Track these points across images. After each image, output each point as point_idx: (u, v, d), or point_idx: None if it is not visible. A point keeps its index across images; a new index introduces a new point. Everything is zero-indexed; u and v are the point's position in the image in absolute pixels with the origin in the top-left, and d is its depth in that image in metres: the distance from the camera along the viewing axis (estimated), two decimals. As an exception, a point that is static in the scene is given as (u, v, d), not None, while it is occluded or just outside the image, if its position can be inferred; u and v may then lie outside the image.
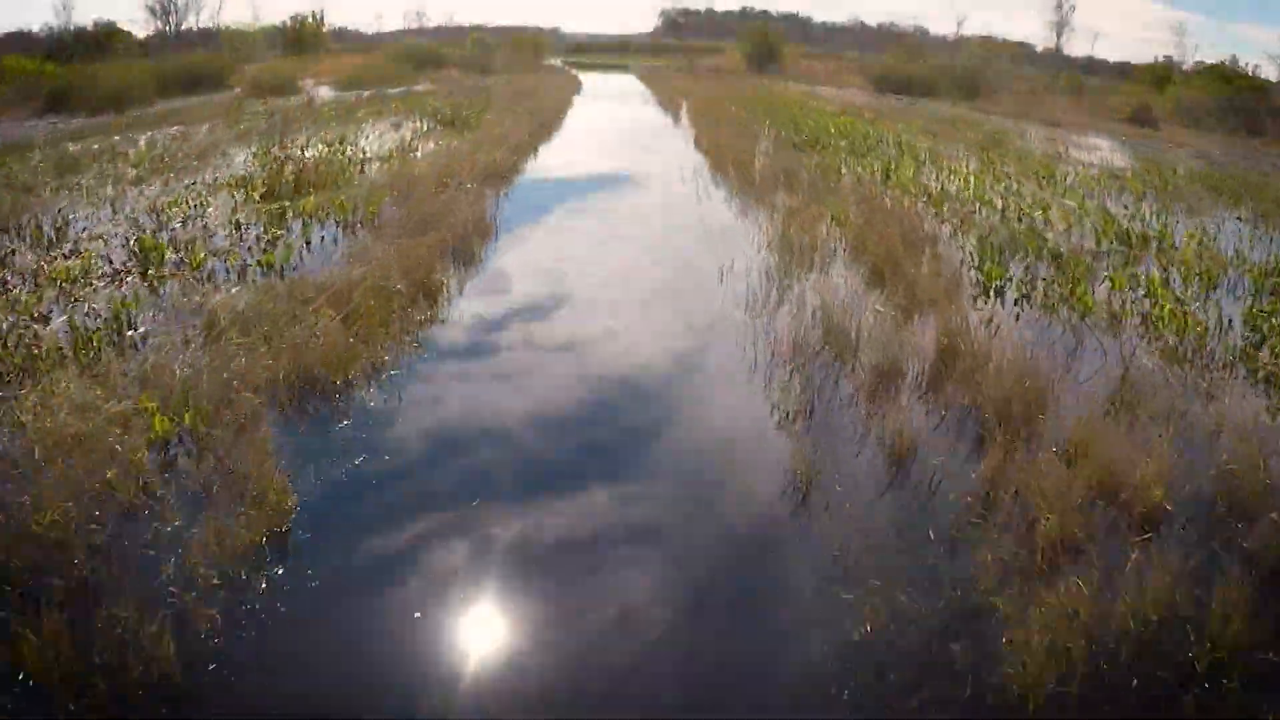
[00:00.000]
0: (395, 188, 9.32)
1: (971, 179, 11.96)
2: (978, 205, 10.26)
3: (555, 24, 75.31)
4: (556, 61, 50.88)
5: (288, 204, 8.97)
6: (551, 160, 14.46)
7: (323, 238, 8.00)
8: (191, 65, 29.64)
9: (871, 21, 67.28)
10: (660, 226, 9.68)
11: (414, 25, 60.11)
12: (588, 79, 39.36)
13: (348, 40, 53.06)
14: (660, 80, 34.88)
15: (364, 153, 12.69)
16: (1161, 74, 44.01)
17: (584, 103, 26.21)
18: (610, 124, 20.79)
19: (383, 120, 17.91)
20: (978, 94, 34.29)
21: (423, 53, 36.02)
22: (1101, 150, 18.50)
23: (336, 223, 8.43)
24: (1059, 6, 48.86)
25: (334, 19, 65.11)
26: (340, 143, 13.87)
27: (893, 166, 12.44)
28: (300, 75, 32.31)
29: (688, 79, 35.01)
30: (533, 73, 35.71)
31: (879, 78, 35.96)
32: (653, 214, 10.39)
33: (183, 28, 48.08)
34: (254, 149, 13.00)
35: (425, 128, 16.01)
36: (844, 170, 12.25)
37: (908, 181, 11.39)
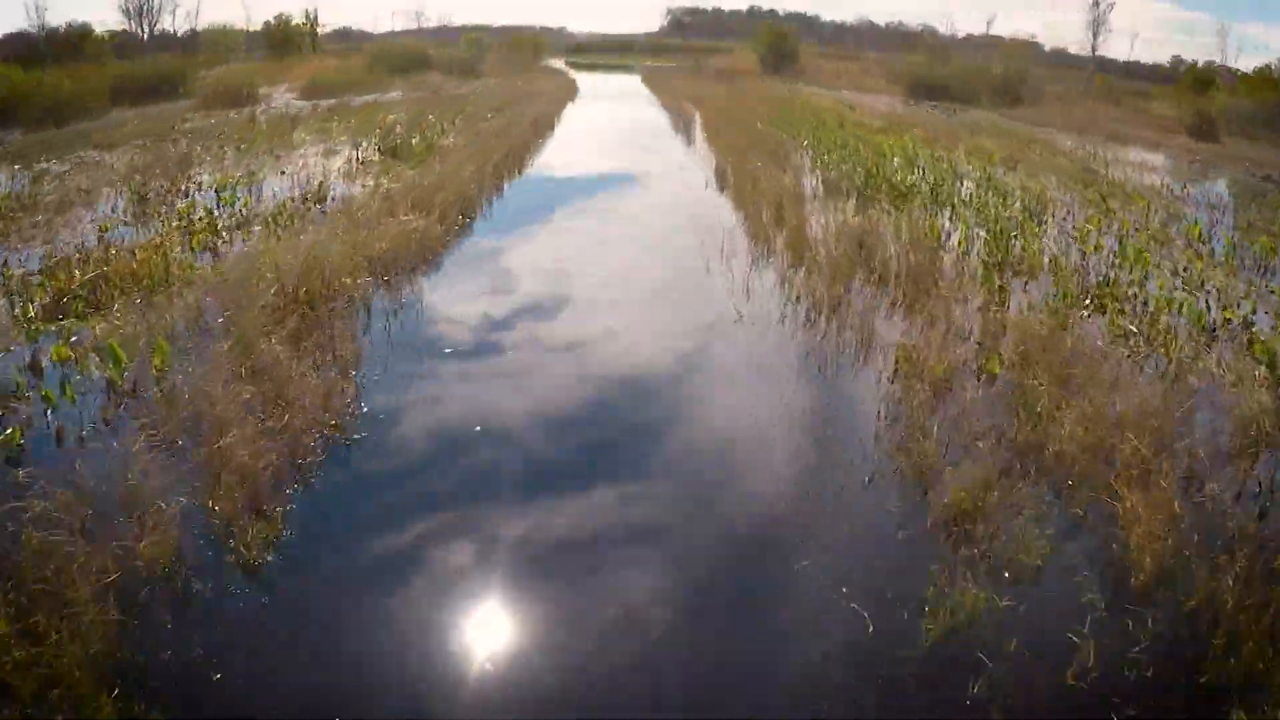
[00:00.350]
0: (230, 296, 5.49)
1: (1126, 249, 8.02)
2: (1176, 313, 6.36)
3: (561, 24, 71.90)
4: (555, 62, 46.92)
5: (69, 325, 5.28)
6: (510, 215, 10.08)
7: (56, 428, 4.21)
8: (153, 71, 25.84)
9: (879, 20, 63.60)
10: (693, 395, 5.25)
11: (413, 25, 56.77)
12: (587, 81, 35.41)
13: (353, 40, 49.92)
14: (667, 83, 30.79)
15: (254, 206, 8.94)
16: (1203, 78, 39.82)
17: (576, 113, 22.16)
18: (603, 147, 16.22)
19: (322, 142, 14.18)
20: (1019, 100, 30.33)
21: (404, 55, 32.05)
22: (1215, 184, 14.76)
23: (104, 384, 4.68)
24: (1095, 4, 44.51)
25: (337, 18, 62.33)
26: (242, 182, 10.17)
27: (1008, 227, 8.52)
28: (267, 81, 28.63)
29: (697, 82, 31.03)
30: (525, 76, 31.70)
31: (910, 82, 31.96)
32: (668, 355, 5.78)
33: (159, 29, 44.45)
34: (124, 198, 9.40)
35: (366, 156, 12.22)
36: (941, 237, 8.41)
37: (1036, 260, 7.54)
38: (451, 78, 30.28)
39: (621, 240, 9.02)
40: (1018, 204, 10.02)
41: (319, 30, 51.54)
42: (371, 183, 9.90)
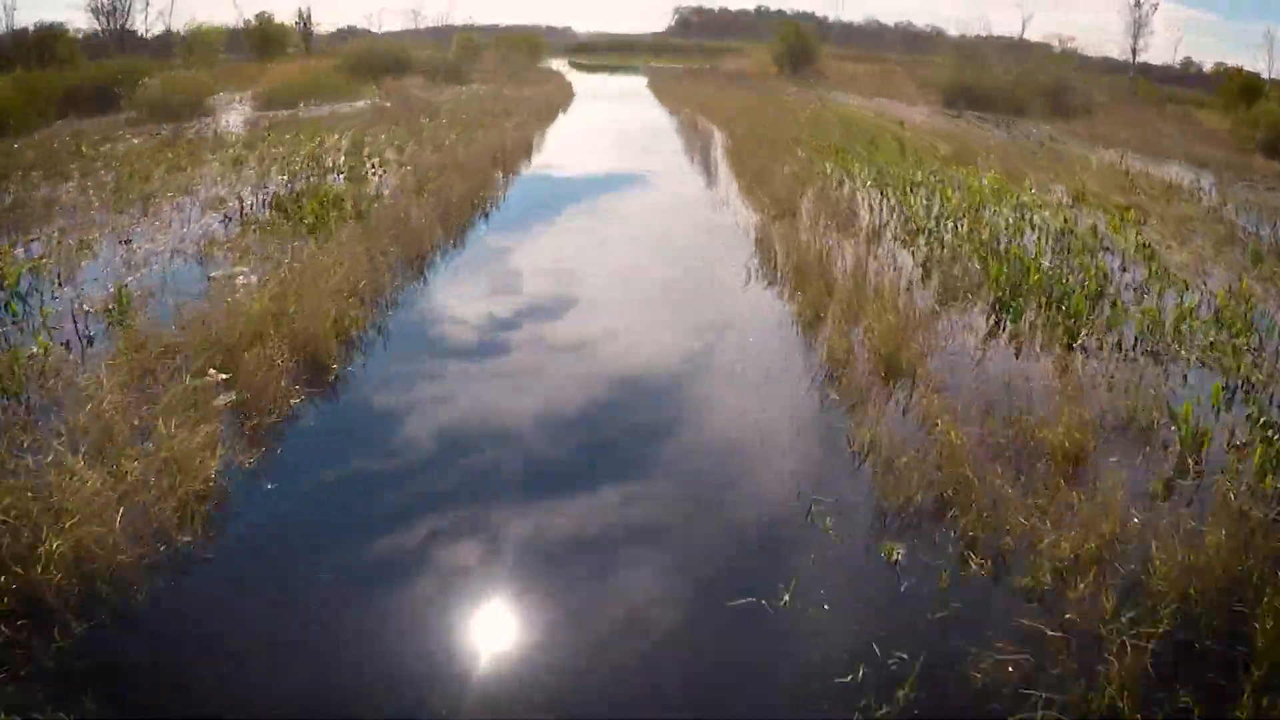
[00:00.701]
0: None
1: None
2: None
3: (567, 23, 69.17)
4: (556, 63, 43.07)
5: None
6: (399, 364, 5.41)
7: None
8: (100, 77, 22.09)
9: (888, 21, 60.34)
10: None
11: (424, 24, 53.60)
12: (587, 85, 31.65)
13: (357, 39, 47.19)
14: (676, 88, 26.83)
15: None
16: (1251, 85, 35.69)
17: (564, 130, 18.17)
18: (590, 186, 11.97)
19: (223, 181, 10.47)
20: (1071, 112, 26.40)
21: (382, 57, 28.19)
22: None
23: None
24: (1137, 4, 40.24)
25: (342, 18, 59.39)
26: (55, 263, 6.52)
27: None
28: (233, 87, 24.97)
29: (709, 86, 27.20)
30: (517, 80, 27.82)
31: (946, 89, 28.04)
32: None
33: (129, 28, 40.76)
34: None
35: (253, 214, 8.46)
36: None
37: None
38: (435, 82, 26.57)
39: (616, 386, 5.21)
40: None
41: (314, 29, 47.88)
42: (235, 277, 6.14)
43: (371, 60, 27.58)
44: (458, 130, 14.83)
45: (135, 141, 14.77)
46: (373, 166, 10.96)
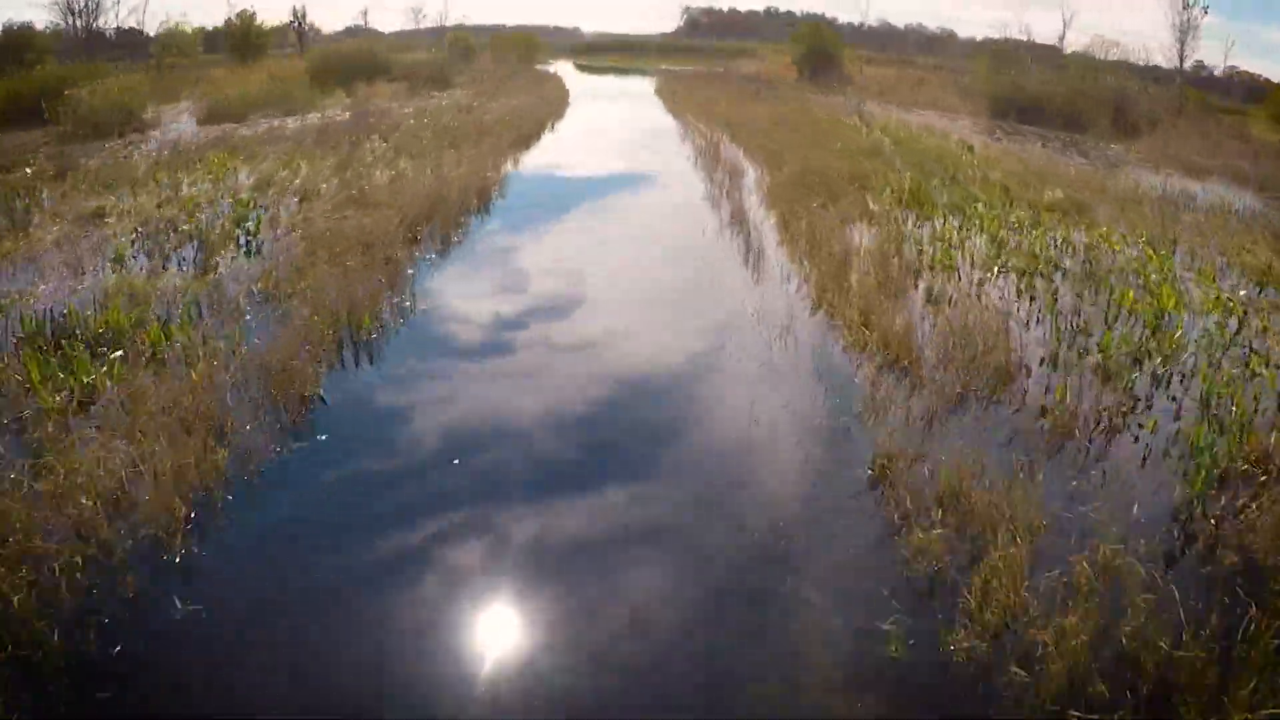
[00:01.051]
0: None
1: None
2: None
3: (575, 24, 69.03)
4: (557, 65, 39.48)
5: None
6: None
7: None
8: (48, 83, 18.52)
9: (898, 23, 58.90)
10: None
11: (430, 24, 51.06)
12: (587, 88, 28.06)
13: (361, 38, 44.53)
14: (689, 97, 23.03)
15: None
16: None
17: (547, 156, 13.99)
18: (558, 286, 7.04)
19: (47, 262, 7.07)
20: (1133, 128, 22.67)
21: (354, 60, 24.52)
22: None
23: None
24: (1185, 6, 36.13)
25: (343, 18, 57.20)
26: None
27: None
28: (182, 95, 21.51)
29: (727, 93, 23.52)
30: (506, 86, 24.17)
31: (994, 99, 24.30)
32: None
33: (99, 28, 37.37)
34: None
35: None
36: None
37: None
38: (413, 89, 23.00)
39: None
40: None
41: (310, 28, 45.13)
42: None
43: (342, 64, 24.00)
44: (405, 160, 11.27)
45: (26, 172, 11.39)
46: (245, 235, 7.45)
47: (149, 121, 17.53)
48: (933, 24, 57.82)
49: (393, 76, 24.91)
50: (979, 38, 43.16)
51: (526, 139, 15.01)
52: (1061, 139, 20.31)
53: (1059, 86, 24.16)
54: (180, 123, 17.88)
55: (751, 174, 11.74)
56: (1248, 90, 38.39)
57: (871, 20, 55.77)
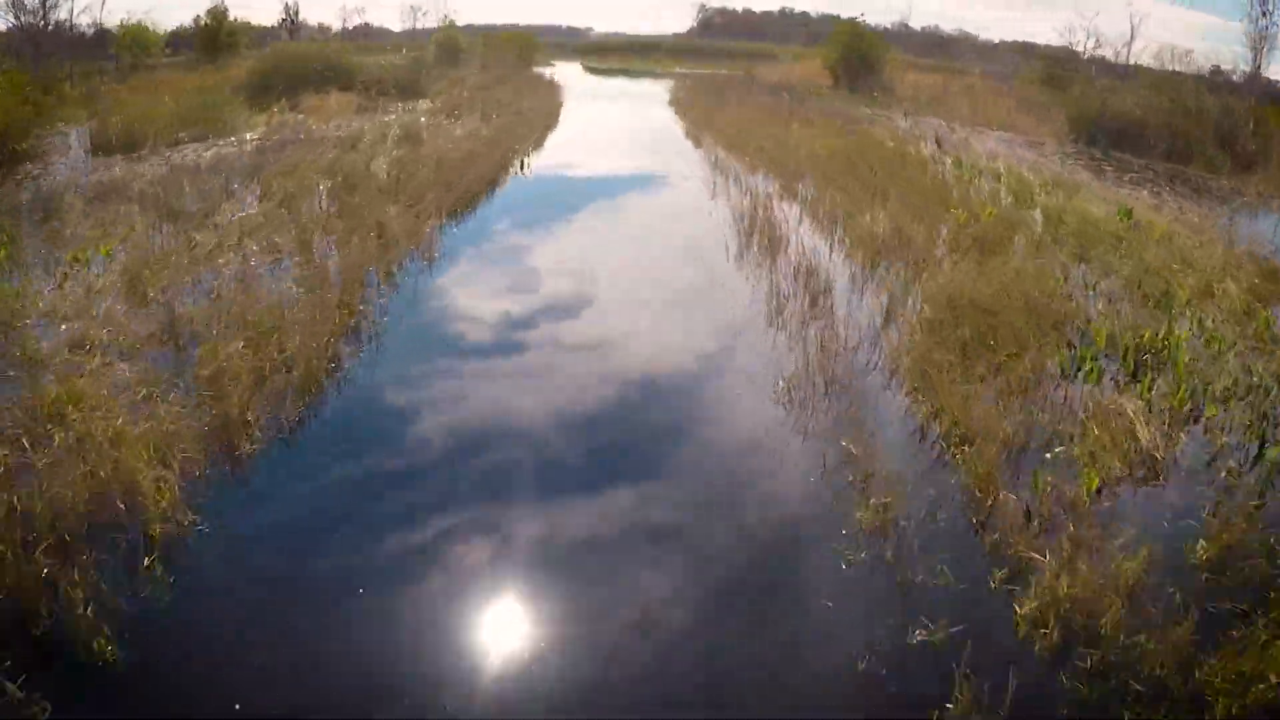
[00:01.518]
0: None
1: None
2: None
3: (589, 24, 64.80)
4: (558, 68, 35.14)
5: None
6: None
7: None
8: None
9: (915, 25, 54.17)
10: None
11: (439, 23, 48.11)
12: (588, 95, 23.60)
13: (373, 38, 42.74)
14: (715, 116, 18.37)
15: None
16: None
17: (490, 226, 9.25)
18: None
19: None
20: (1244, 157, 17.91)
21: (304, 66, 19.89)
22: None
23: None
24: (1265, 13, 30.92)
25: (350, 17, 54.12)
26: None
27: None
28: (86, 114, 16.81)
29: (759, 107, 18.94)
30: (486, 98, 19.45)
31: (1076, 120, 19.62)
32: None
33: (57, 22, 32.90)
34: None
35: None
36: None
37: None
38: (373, 100, 18.47)
39: None
40: None
41: (315, 26, 42.71)
42: None
43: (293, 69, 19.47)
44: (284, 234, 6.83)
45: None
46: None
47: (33, 151, 12.78)
48: (943, 26, 53.33)
49: (359, 83, 20.34)
50: (997, 40, 39.96)
51: (470, 196, 9.91)
52: (1166, 172, 15.72)
53: (1161, 104, 19.39)
54: (64, 154, 13.36)
55: (852, 300, 6.70)
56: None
57: (886, 21, 51.23)
